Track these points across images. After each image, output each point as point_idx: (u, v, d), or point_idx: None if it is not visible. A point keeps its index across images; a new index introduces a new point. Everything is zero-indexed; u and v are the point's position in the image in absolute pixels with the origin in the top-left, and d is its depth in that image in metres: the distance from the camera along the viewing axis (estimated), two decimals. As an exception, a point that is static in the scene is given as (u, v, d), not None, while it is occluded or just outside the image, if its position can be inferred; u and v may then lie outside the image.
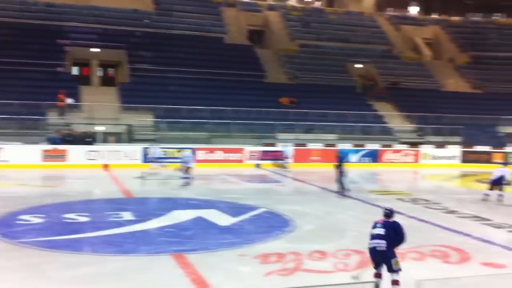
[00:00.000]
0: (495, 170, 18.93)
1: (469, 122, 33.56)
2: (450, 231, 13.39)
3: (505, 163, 20.46)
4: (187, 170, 19.97)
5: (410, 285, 8.19)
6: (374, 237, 8.33)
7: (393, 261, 8.13)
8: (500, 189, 18.26)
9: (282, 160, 27.11)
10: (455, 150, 30.96)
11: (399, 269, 8.15)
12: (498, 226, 14.24)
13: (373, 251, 8.33)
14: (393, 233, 8.23)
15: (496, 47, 42.56)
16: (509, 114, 33.59)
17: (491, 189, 18.39)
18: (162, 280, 9.08)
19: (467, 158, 30.72)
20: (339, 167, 18.89)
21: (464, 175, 27.59)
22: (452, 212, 16.15)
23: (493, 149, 31.07)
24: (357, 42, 41.61)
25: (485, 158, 30.64)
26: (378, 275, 8.34)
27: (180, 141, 27.22)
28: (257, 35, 42.92)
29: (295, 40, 40.64)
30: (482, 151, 30.93)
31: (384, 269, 8.23)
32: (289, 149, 27.33)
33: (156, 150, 24.96)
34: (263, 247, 11.23)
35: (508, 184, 18.38)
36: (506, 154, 30.70)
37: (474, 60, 41.49)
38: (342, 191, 18.63)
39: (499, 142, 32.28)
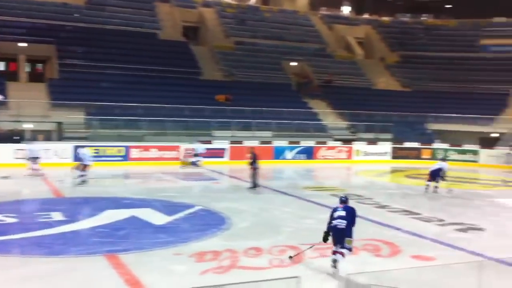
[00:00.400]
0: (435, 164, 20.71)
1: (399, 119, 34.68)
2: (382, 225, 13.77)
3: (443, 159, 21.79)
4: (84, 168, 19.62)
5: (342, 279, 8.30)
6: (336, 218, 9.77)
7: (347, 239, 9.56)
8: (437, 181, 19.83)
9: (194, 158, 26.44)
10: (386, 147, 31.92)
11: (350, 248, 9.54)
12: (427, 220, 14.77)
13: (334, 229, 9.72)
14: (351, 216, 9.78)
15: (424, 47, 44.19)
16: (436, 112, 34.96)
17: (429, 180, 19.93)
18: (94, 282, 8.82)
19: (397, 154, 31.74)
20: (252, 164, 19.22)
21: (395, 171, 28.49)
22: (383, 206, 16.62)
23: (422, 145, 32.25)
24: (292, 40, 42.09)
25: (414, 154, 31.78)
26: (335, 253, 9.59)
27: (113, 139, 26.59)
28: (192, 32, 42.59)
29: (231, 37, 40.63)
30: (412, 147, 32.04)
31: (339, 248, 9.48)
32: (200, 147, 26.63)
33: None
34: (198, 246, 11.14)
35: (443, 177, 19.83)
36: (434, 150, 31.98)
37: (403, 59, 42.90)
38: (253, 187, 19.11)
39: (427, 138, 33.54)
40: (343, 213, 9.84)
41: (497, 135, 33.44)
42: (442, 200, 18.67)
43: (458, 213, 16.00)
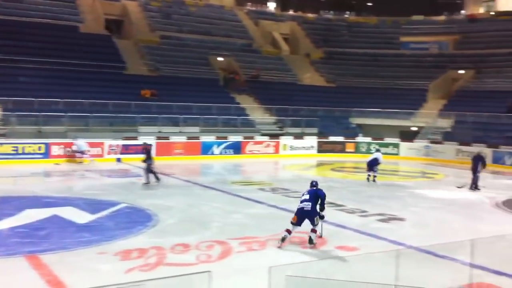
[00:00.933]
0: (371, 155, 22.79)
1: (324, 114, 35.42)
2: (308, 218, 13.98)
3: (378, 150, 23.32)
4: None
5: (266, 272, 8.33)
6: (302, 201, 11.33)
7: (315, 218, 11.17)
8: (374, 171, 21.67)
9: (80, 155, 25.25)
10: (312, 141, 32.52)
11: (317, 224, 11.25)
12: (351, 212, 15.19)
13: (300, 211, 11.26)
14: (314, 198, 11.28)
15: (347, 44, 45.34)
16: (359, 107, 35.97)
17: (368, 171, 21.76)
18: (14, 283, 8.43)
19: (322, 148, 32.42)
20: (147, 160, 19.17)
21: (320, 164, 29.08)
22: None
23: (346, 139, 33.11)
24: (218, 35, 41.96)
25: (339, 148, 32.58)
26: (288, 231, 11.14)
27: (32, 136, 25.48)
28: (116, 25, 41.50)
29: (156, 31, 39.94)
30: (336, 141, 32.82)
31: (296, 228, 11.23)
32: (81, 142, 25.19)
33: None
34: (124, 244, 10.89)
35: (376, 168, 21.77)
36: (357, 143, 32.92)
37: (327, 55, 43.80)
38: (147, 183, 19.04)
39: (351, 132, 34.47)
40: (307, 196, 11.38)
41: (416, 129, 34.88)
42: (366, 192, 19.26)
43: (380, 204, 16.56)
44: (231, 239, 11.47)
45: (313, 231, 11.11)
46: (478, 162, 20.24)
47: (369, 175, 21.68)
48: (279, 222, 13.55)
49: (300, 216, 11.19)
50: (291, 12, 51.03)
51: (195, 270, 9.05)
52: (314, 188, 11.62)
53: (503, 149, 27.91)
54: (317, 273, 7.63)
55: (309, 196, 11.33)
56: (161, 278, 7.65)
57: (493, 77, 37.52)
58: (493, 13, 47.04)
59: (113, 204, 15.11)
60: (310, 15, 50.84)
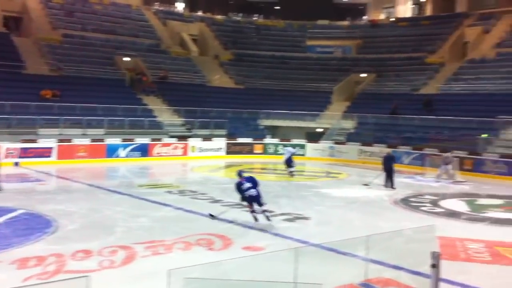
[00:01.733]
0: (284, 152, 25.71)
1: (233, 116, 35.57)
2: (215, 219, 13.95)
3: (286, 146, 26.16)
4: None
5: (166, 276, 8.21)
6: (247, 189, 13.27)
7: (261, 199, 13.22)
8: (292, 166, 24.23)
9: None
10: (221, 143, 32.55)
11: (265, 203, 13.42)
12: (258, 212, 15.29)
13: (250, 198, 13.29)
14: (253, 183, 13.40)
15: (255, 46, 45.82)
16: (268, 108, 36.48)
17: (287, 167, 24.19)
18: None
19: (231, 149, 32.55)
20: None
21: (229, 166, 29.16)
22: (217, 201, 16.90)
23: (254, 140, 33.46)
24: (125, 35, 40.94)
25: (248, 149, 32.86)
26: (253, 211, 13.37)
27: None
28: (14, 22, 39.35)
29: (58, 29, 38.28)
30: (245, 142, 33.07)
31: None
32: None
33: None
34: (21, 251, 10.35)
35: (293, 164, 24.32)
36: (265, 145, 33.37)
37: (236, 57, 44.05)
38: None
39: (259, 134, 34.88)
40: (249, 184, 13.33)
41: (321, 130, 35.91)
42: (272, 192, 19.51)
43: (286, 204, 16.86)
44: (135, 243, 11.20)
45: (266, 210, 13.33)
46: (391, 162, 21.27)
47: (290, 171, 24.04)
48: (186, 225, 13.47)
49: (251, 202, 13.31)
50: (199, 13, 50.81)
51: (97, 276, 8.73)
52: (246, 175, 13.81)
53: (401, 149, 29.38)
54: (221, 274, 7.59)
55: (251, 183, 13.34)
56: (34, 284, 7.32)
57: (393, 80, 39.44)
58: (393, 19, 49.47)
59: (10, 210, 14.29)
60: (218, 16, 50.91)
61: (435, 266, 4.75)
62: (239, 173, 14.01)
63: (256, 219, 13.34)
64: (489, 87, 33.31)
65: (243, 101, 37.63)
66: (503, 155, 26.15)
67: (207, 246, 11.18)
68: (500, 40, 38.30)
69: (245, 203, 13.61)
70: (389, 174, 21.14)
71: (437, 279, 4.74)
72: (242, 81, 40.80)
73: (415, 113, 32.88)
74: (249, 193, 13.24)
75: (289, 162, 24.40)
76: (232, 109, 35.73)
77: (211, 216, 13.85)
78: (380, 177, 21.31)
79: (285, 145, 25.79)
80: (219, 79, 40.70)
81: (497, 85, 33.05)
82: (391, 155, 22.24)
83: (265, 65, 43.08)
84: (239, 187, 13.47)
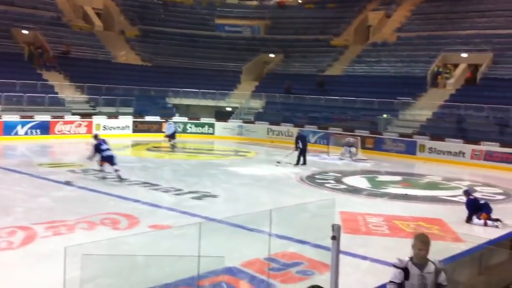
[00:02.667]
0: (169, 125, 26.52)
1: (140, 93, 34.70)
2: (121, 199, 13.64)
3: (168, 120, 26.98)
4: None
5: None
6: (105, 150, 16.10)
7: (114, 159, 15.94)
8: (174, 138, 25.66)
9: None
10: (127, 121, 31.69)
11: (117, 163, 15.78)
12: (165, 191, 15.14)
13: (108, 157, 16.00)
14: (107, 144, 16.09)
15: (163, 23, 44.76)
16: (176, 87, 35.92)
17: (169, 141, 25.45)
18: None
19: (138, 128, 31.80)
20: None
21: (136, 144, 28.51)
22: (123, 180, 16.46)
23: (162, 119, 32.83)
24: (23, 6, 38.51)
25: (155, 128, 32.20)
26: (102, 171, 16.06)
27: None
28: None
29: None
30: (153, 121, 32.42)
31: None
32: None
33: None
34: None
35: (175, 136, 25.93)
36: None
37: (143, 33, 42.83)
38: None
39: (168, 112, 34.31)
40: (108, 145, 16.20)
41: (230, 109, 35.97)
42: (180, 171, 19.37)
43: (194, 182, 16.77)
44: (35, 224, 10.69)
45: (117, 170, 15.78)
46: (304, 141, 21.91)
47: (172, 144, 25.47)
48: (90, 205, 13.05)
49: (111, 161, 16.06)
50: (104, -13, 48.77)
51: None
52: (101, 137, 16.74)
53: (308, 128, 30.12)
54: (124, 252, 7.41)
55: (107, 145, 16.29)
56: None
57: (299, 61, 40.16)
58: (300, 1, 50.17)
59: None
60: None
61: (335, 238, 4.87)
62: (96, 136, 17.06)
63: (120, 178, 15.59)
64: (389, 69, 34.82)
65: (150, 78, 36.77)
66: (401, 135, 27.56)
67: (112, 226, 10.89)
68: (400, 24, 40.01)
69: (102, 165, 16.19)
70: (302, 152, 21.71)
71: (338, 251, 4.87)
72: (149, 58, 39.81)
73: (320, 94, 33.77)
74: (107, 153, 15.96)
75: (173, 135, 25.93)
76: (139, 86, 34.85)
77: (67, 183, 15.23)
78: (291, 156, 21.77)
79: (167, 120, 27.64)
80: (125, 55, 39.47)
81: (397, 68, 34.61)
82: (303, 134, 22.89)
83: (173, 42, 42.29)
84: (98, 147, 16.03)
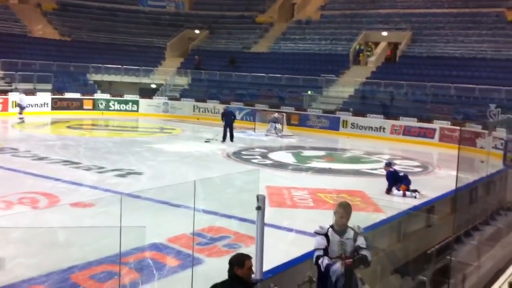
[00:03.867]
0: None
1: (59, 69, 33.28)
2: (40, 177, 13.11)
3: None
4: None
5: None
6: None
7: None
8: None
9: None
10: (46, 97, 30.33)
11: None
12: (87, 169, 14.69)
13: None
14: None
15: (83, -4, 43.03)
16: (97, 62, 34.69)
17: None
18: None
19: (58, 105, 30.55)
20: None
21: (55, 122, 27.40)
22: (42, 158, 15.84)
23: (83, 96, 31.78)
24: None
25: (76, 105, 31.11)
26: None
27: None
28: None
29: None
30: (73, 98, 31.24)
31: None
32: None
33: None
34: None
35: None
36: (95, 100, 31.89)
37: (61, 7, 40.95)
38: None
39: (89, 89, 33.19)
40: None
41: (155, 86, 35.26)
42: (103, 149, 18.83)
43: (118, 160, 16.37)
44: None
45: None
46: (229, 117, 21.82)
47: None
48: (7, 184, 12.47)
49: None
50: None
51: None
52: None
53: (234, 104, 30.07)
54: (48, 229, 7.15)
55: None
56: None
57: (225, 38, 39.89)
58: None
59: None
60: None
61: (260, 208, 4.88)
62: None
63: None
64: (314, 47, 35.29)
65: (69, 54, 35.34)
66: (325, 111, 28.13)
67: (31, 205, 10.43)
68: (324, 2, 40.51)
69: None
70: (229, 129, 21.67)
71: (263, 220, 4.89)
72: (68, 33, 38.20)
73: (248, 71, 33.78)
74: None
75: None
76: (57, 62, 33.41)
77: None
78: (219, 132, 21.70)
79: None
80: (42, 29, 37.65)
81: (321, 45, 35.13)
82: (230, 110, 22.85)
83: (93, 16, 40.71)
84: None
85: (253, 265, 4.56)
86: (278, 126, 25.09)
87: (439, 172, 17.18)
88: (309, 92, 30.24)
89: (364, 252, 5.13)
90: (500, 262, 7.52)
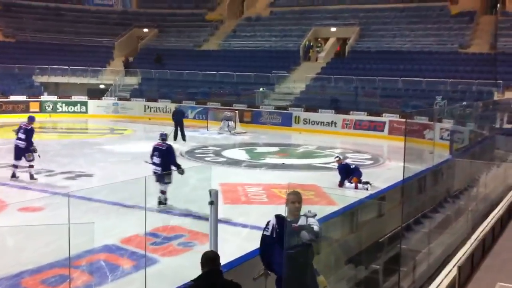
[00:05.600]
0: None
1: (3, 71, 32.24)
2: (-15, 183, 12.64)
3: None
4: None
5: None
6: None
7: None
8: None
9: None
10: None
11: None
12: (36, 172, 14.24)
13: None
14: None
15: (27, -4, 41.75)
16: (43, 64, 33.76)
17: None
18: None
19: (3, 108, 29.57)
20: None
21: (0, 126, 26.51)
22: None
23: (29, 98, 30.87)
24: None
25: (22, 108, 30.17)
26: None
27: None
28: None
29: None
30: (18, 100, 30.30)
31: None
32: None
33: None
34: None
35: None
36: (42, 102, 31.03)
37: (4, 7, 39.65)
38: None
39: (35, 91, 32.26)
40: (22, 135, 13.36)
41: (104, 86, 34.58)
42: (51, 151, 18.33)
43: (67, 162, 15.99)
44: None
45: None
46: (180, 116, 21.76)
47: None
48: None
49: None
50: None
51: None
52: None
53: (186, 103, 29.86)
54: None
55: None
56: None
57: (175, 36, 39.52)
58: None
59: None
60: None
61: (213, 203, 4.86)
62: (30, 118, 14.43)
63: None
64: (264, 44, 35.40)
65: (13, 55, 34.26)
66: (277, 107, 28.30)
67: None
68: (273, -1, 40.74)
69: None
70: (180, 128, 21.48)
71: (216, 215, 4.87)
72: (12, 34, 37.05)
73: (197, 69, 33.57)
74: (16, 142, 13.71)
75: None
76: (1, 64, 32.35)
77: None
78: (171, 132, 21.47)
79: None
80: (-15, 30, 36.40)
81: (271, 42, 35.28)
82: (180, 109, 22.68)
83: (38, 16, 39.59)
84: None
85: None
86: (231, 123, 25.09)
87: (389, 164, 17.56)
88: (261, 89, 30.33)
89: (315, 227, 5.02)
90: (449, 248, 7.74)
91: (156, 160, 11.15)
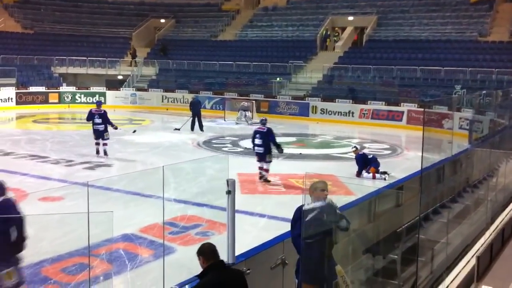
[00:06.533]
0: None
1: (22, 63, 32.59)
2: (6, 173, 12.81)
3: None
4: None
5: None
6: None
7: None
8: None
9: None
10: (10, 92, 29.65)
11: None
12: (55, 162, 14.46)
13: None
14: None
15: (44, -13, 42.04)
16: (61, 55, 34.05)
17: None
18: None
19: (22, 100, 29.93)
20: None
21: (20, 117, 26.86)
22: (8, 154, 15.54)
23: (48, 89, 31.18)
24: None
25: (41, 99, 30.52)
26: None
27: None
28: None
29: None
30: (38, 92, 30.62)
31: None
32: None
33: None
34: None
35: None
36: (61, 93, 31.33)
37: (23, 0, 40.06)
38: None
39: (54, 82, 32.58)
40: (98, 119, 15.12)
41: (122, 77, 34.79)
42: (70, 142, 18.55)
43: (86, 153, 16.11)
44: None
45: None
46: (198, 106, 21.83)
47: None
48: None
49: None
50: None
51: None
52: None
53: (203, 94, 29.94)
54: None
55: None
56: None
57: (192, 26, 39.54)
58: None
59: None
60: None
61: (230, 192, 4.87)
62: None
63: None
64: (281, 33, 35.26)
65: (32, 47, 34.64)
66: (294, 97, 28.21)
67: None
68: (289, -11, 40.50)
69: None
70: (198, 118, 21.56)
71: (233, 204, 4.88)
72: (30, 26, 37.38)
73: (214, 59, 33.59)
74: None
75: None
76: (21, 55, 32.69)
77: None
78: (188, 122, 21.58)
79: None
80: (3, 22, 36.73)
81: (288, 32, 35.14)
82: (197, 99, 22.74)
83: (56, 8, 39.87)
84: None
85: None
86: (248, 114, 25.11)
87: (407, 153, 17.44)
88: (278, 79, 30.26)
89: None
90: (468, 238, 7.68)
91: (258, 141, 12.71)
